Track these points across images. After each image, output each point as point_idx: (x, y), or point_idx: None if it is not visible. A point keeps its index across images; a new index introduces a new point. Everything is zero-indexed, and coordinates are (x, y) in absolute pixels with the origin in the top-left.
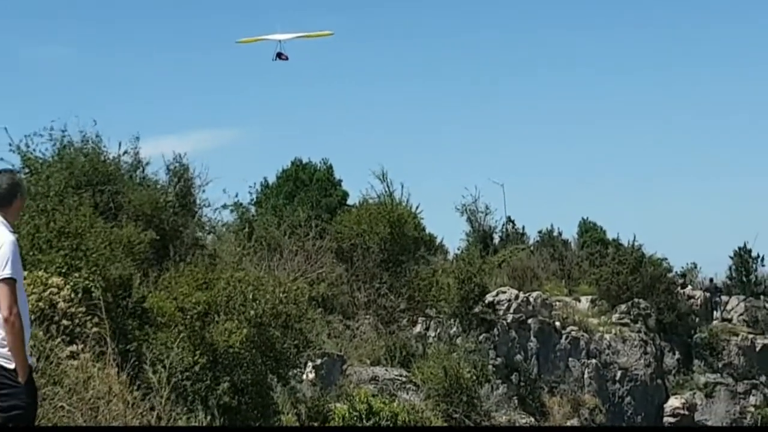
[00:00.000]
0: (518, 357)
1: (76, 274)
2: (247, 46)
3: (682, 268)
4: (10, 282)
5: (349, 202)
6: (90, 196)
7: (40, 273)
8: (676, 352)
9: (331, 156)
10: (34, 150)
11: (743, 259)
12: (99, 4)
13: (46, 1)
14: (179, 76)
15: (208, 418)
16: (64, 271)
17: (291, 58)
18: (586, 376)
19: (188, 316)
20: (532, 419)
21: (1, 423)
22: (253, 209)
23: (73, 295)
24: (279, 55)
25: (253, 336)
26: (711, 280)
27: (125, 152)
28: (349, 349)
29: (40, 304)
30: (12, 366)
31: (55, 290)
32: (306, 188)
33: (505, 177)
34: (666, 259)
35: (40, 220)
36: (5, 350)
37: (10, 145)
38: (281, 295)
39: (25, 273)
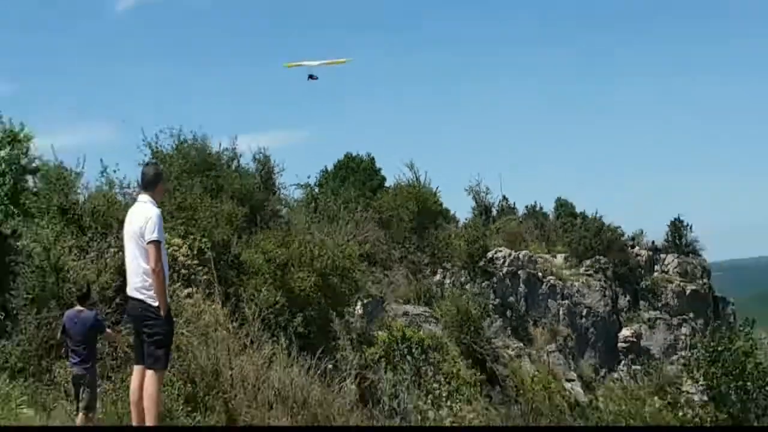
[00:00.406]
0: (511, 299)
1: (191, 237)
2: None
3: (632, 233)
4: (157, 243)
5: (387, 184)
6: (199, 180)
7: (166, 235)
8: (627, 296)
9: (372, 149)
10: (160, 145)
11: (677, 226)
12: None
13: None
14: (259, 88)
15: (287, 342)
16: (182, 234)
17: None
18: (560, 313)
19: (272, 266)
20: (521, 344)
21: (148, 346)
22: (316, 189)
23: (189, 252)
24: (310, 76)
25: (318, 282)
26: (653, 242)
27: (226, 149)
28: (387, 293)
29: None
30: (156, 303)
31: (176, 248)
32: (355, 174)
33: (501, 165)
34: (620, 226)
35: (164, 197)
36: (152, 292)
37: (143, 140)
38: (338, 253)
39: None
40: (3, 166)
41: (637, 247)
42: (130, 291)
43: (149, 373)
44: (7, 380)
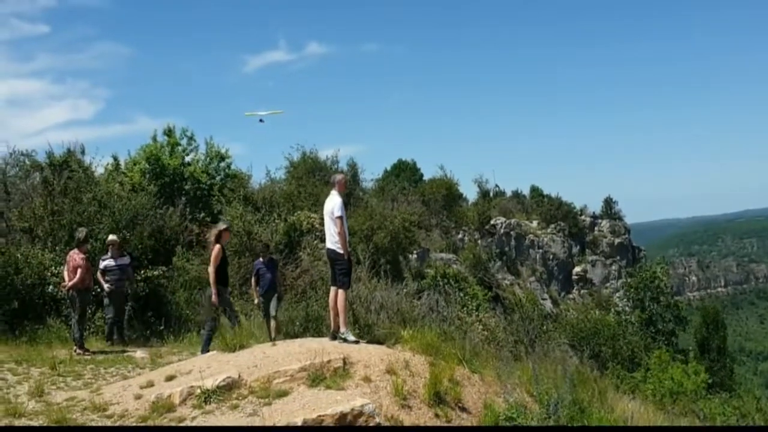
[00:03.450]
0: (506, 248)
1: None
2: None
3: (580, 206)
4: (340, 218)
5: (425, 178)
6: (316, 178)
7: (304, 212)
8: (578, 246)
9: (414, 156)
10: (291, 155)
11: (609, 202)
12: None
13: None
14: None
15: (384, 275)
16: (311, 209)
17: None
18: (537, 257)
19: (364, 229)
20: (513, 276)
21: (338, 275)
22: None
23: (318, 219)
24: (260, 120)
25: (390, 239)
26: (593, 212)
27: (328, 157)
28: (430, 245)
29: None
30: (341, 251)
31: (313, 218)
32: (404, 172)
33: (494, 162)
34: (572, 202)
35: (297, 188)
36: (339, 245)
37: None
38: (401, 220)
39: (299, 212)
40: (217, 172)
41: (583, 215)
42: (327, 245)
43: (340, 291)
44: None
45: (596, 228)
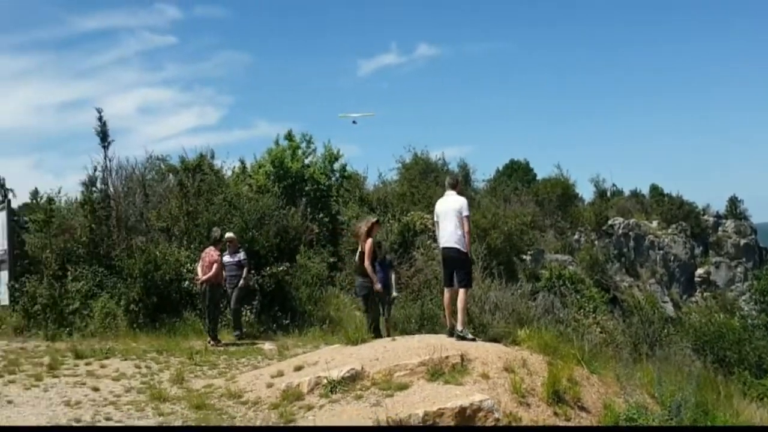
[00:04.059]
0: (624, 250)
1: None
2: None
3: (704, 205)
4: (468, 217)
5: (538, 178)
6: (428, 179)
7: (417, 212)
8: (700, 247)
9: (526, 155)
10: (403, 157)
11: (734, 201)
12: None
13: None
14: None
15: (498, 277)
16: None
17: None
18: (657, 258)
19: (478, 229)
20: (631, 279)
21: (459, 274)
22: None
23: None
24: (354, 122)
25: (504, 239)
26: (717, 211)
27: (439, 158)
28: (544, 246)
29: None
30: (465, 250)
31: (426, 218)
32: (516, 172)
33: (612, 162)
34: (694, 201)
35: (410, 189)
36: (462, 244)
37: (393, 155)
38: (515, 220)
39: (412, 213)
40: (333, 173)
41: (706, 215)
42: (447, 243)
43: (461, 290)
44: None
45: (720, 228)
